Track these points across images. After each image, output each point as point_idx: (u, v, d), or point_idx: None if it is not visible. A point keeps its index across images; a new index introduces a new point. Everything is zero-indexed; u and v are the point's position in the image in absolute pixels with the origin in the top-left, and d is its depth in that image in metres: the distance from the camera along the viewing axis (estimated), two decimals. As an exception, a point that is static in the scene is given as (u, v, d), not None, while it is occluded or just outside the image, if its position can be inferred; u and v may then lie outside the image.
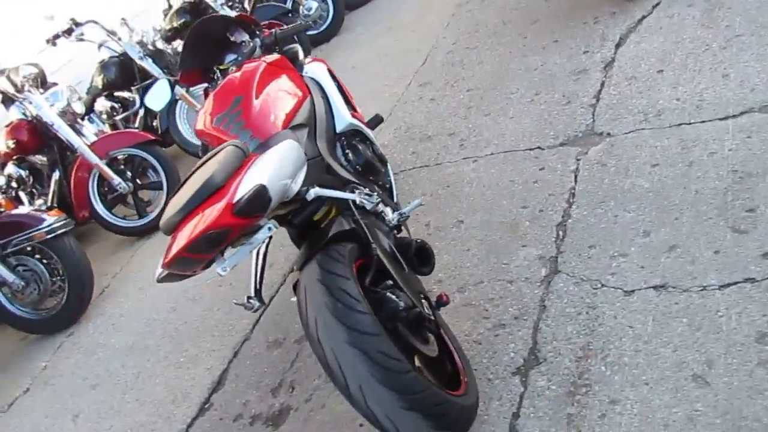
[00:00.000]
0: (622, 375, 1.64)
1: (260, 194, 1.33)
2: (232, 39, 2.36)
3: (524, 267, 2.14)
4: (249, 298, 1.70)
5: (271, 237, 1.64)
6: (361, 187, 1.87)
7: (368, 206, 1.73)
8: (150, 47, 4.21)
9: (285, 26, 2.46)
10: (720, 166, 2.06)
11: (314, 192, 1.64)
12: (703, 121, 2.27)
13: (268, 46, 2.34)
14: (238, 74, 2.07)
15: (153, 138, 3.83)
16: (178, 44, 4.75)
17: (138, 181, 3.91)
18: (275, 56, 2.16)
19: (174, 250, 1.33)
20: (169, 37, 4.71)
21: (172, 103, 4.19)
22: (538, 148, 2.66)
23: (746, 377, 1.48)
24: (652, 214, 2.04)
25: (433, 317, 1.68)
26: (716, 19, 2.73)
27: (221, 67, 2.35)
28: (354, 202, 1.78)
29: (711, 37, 2.65)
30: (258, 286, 1.73)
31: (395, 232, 2.01)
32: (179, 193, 1.48)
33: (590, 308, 1.86)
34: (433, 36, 4.36)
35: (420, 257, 1.86)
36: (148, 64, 4.14)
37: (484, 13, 4.23)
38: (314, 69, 2.30)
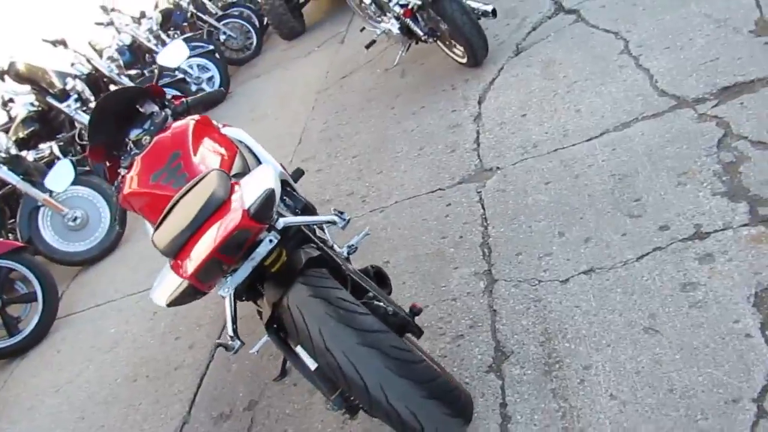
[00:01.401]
0: (585, 345, 1.83)
1: (271, 197, 1.36)
2: (141, 110, 2.34)
3: (463, 284, 2.30)
4: (231, 338, 1.64)
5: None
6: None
7: (340, 223, 1.79)
8: (4, 155, 3.89)
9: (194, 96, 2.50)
10: (601, 173, 2.45)
11: (283, 221, 1.66)
12: (574, 144, 2.70)
13: (179, 114, 2.36)
14: (168, 134, 2.07)
15: (20, 245, 3.47)
16: (26, 154, 4.46)
17: (4, 296, 3.47)
18: (199, 116, 2.20)
19: (203, 255, 1.29)
20: (19, 147, 4.42)
21: (35, 209, 3.88)
22: (439, 189, 2.92)
23: (685, 318, 1.75)
24: (560, 219, 2.35)
25: (414, 322, 1.75)
26: (554, 72, 3.31)
27: (133, 139, 2.31)
28: (313, 232, 1.84)
29: (555, 85, 3.20)
30: (234, 326, 1.68)
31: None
32: (170, 220, 1.43)
33: (536, 301, 2.06)
34: (302, 120, 4.61)
35: (378, 280, 1.95)
36: (4, 173, 3.81)
37: (347, 96, 4.59)
38: (232, 130, 2.36)
